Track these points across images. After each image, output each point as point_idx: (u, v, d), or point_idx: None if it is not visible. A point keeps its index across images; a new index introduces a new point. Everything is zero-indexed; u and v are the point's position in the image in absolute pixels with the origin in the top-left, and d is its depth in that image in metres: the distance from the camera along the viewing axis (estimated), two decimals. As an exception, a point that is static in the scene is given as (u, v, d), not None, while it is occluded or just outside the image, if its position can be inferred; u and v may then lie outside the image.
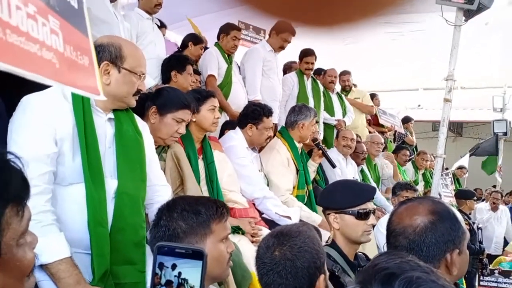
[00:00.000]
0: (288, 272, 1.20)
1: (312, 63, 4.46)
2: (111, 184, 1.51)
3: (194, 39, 4.20)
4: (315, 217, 2.94)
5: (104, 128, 1.55)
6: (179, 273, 0.64)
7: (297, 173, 3.11)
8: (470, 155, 7.84)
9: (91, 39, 0.86)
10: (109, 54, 1.52)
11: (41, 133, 1.38)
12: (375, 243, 3.06)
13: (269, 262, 1.23)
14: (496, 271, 4.43)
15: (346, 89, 5.58)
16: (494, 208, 6.21)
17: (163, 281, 0.65)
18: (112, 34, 2.46)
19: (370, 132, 5.46)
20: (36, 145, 1.36)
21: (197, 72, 3.71)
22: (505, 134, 7.84)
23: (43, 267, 1.32)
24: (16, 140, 1.37)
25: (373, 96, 6.22)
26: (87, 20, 0.86)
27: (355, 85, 5.89)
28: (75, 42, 0.79)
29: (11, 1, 0.60)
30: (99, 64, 1.49)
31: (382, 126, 5.86)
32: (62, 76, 0.72)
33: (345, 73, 5.58)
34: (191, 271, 0.64)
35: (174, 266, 0.64)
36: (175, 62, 3.18)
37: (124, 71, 1.54)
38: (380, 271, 0.71)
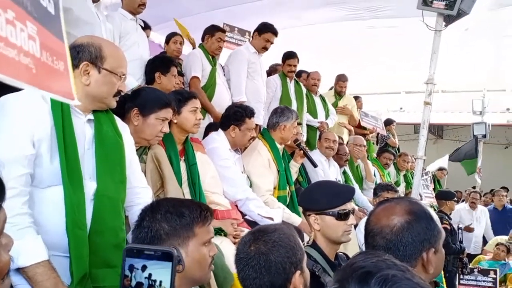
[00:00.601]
0: (262, 266, 1.23)
1: (295, 66, 4.51)
2: (90, 186, 1.49)
3: (165, 39, 4.25)
4: (295, 219, 2.96)
5: (83, 129, 1.53)
6: (150, 275, 0.64)
7: (278, 174, 3.12)
8: (449, 160, 8.01)
9: (66, 44, 0.87)
10: (89, 54, 1.51)
11: (18, 134, 1.36)
12: (356, 243, 3.11)
13: (245, 257, 1.26)
14: (476, 270, 4.54)
15: (341, 94, 5.64)
16: (473, 207, 6.35)
17: (133, 283, 0.64)
18: (94, 34, 2.44)
19: (350, 131, 5.53)
20: (13, 146, 1.34)
21: (180, 73, 3.70)
22: (484, 136, 8.03)
23: (19, 270, 1.30)
24: None
25: (355, 98, 6.29)
26: (63, 25, 0.86)
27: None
28: (51, 47, 0.80)
29: None
30: (78, 65, 1.49)
31: (364, 128, 5.94)
32: (38, 81, 0.73)
33: (344, 79, 5.63)
34: (161, 272, 0.63)
35: (144, 268, 0.64)
36: (160, 63, 3.17)
37: (104, 72, 1.53)
38: (357, 270, 0.73)
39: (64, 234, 1.41)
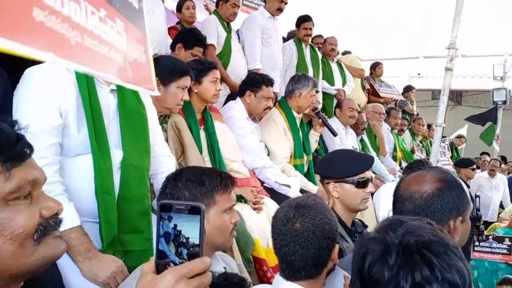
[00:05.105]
0: (310, 243, 1.23)
1: (311, 29, 4.38)
2: (116, 154, 1.52)
3: (177, 7, 4.30)
4: (311, 187, 2.99)
5: (107, 99, 1.55)
6: (175, 225, 0.68)
7: (294, 142, 3.13)
8: (468, 119, 7.84)
9: (148, 36, 0.90)
10: None
11: (46, 105, 1.38)
12: (373, 211, 3.14)
13: (290, 234, 1.25)
14: (491, 237, 4.55)
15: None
16: (492, 174, 6.29)
17: (161, 232, 0.69)
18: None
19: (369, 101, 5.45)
20: (42, 117, 1.37)
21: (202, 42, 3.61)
22: (504, 103, 7.82)
23: (54, 235, 1.36)
24: (22, 112, 1.36)
25: (376, 65, 6.16)
26: (145, 18, 0.90)
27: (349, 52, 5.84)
28: (136, 41, 0.84)
29: (88, 7, 0.66)
30: None
31: (380, 97, 5.84)
32: (125, 75, 0.78)
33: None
34: (188, 225, 0.68)
35: (170, 218, 0.68)
36: (187, 37, 2.98)
37: None
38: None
39: (93, 200, 1.45)
